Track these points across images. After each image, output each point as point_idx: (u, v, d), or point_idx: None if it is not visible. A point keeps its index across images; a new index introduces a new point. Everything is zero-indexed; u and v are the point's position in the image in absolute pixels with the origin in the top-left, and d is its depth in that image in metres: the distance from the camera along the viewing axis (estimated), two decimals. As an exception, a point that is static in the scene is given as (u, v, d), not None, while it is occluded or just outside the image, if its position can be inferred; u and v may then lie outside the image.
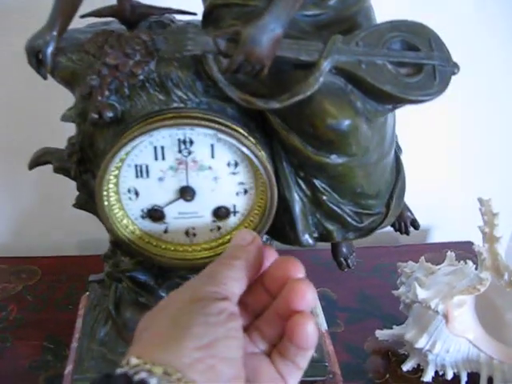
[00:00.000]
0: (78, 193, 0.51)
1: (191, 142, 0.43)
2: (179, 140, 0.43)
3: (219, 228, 0.48)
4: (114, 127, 0.43)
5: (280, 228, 0.49)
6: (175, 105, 0.43)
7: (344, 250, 0.60)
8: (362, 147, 0.43)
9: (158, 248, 0.48)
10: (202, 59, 0.40)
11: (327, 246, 0.62)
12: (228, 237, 0.49)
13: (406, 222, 0.56)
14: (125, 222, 0.47)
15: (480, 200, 0.60)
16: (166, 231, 0.48)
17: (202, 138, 0.43)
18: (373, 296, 0.76)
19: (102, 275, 0.59)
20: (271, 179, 0.45)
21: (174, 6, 0.46)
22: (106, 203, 0.45)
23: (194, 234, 0.48)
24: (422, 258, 0.67)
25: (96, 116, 0.42)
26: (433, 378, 0.64)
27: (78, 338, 0.60)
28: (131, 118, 0.43)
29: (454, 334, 0.61)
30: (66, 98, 0.47)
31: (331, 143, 0.42)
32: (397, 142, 0.54)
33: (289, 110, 0.41)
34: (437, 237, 0.92)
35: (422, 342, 0.61)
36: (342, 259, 0.60)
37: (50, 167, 0.54)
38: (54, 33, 0.43)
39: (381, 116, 0.43)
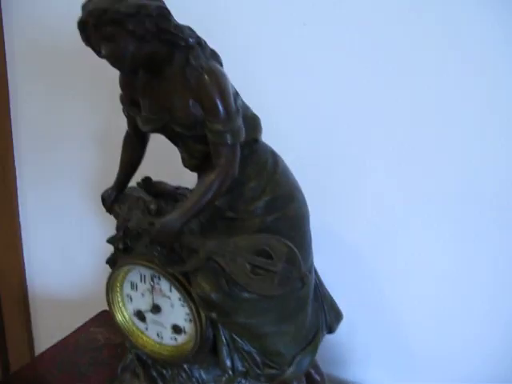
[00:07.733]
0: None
1: (159, 278, 0.67)
2: (153, 275, 0.67)
3: (176, 339, 0.69)
4: (125, 254, 0.69)
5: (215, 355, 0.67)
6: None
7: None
8: (227, 312, 0.59)
9: (141, 339, 0.72)
10: None
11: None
12: (182, 346, 0.69)
13: (315, 386, 0.67)
14: (126, 315, 0.72)
15: None
16: (147, 329, 0.71)
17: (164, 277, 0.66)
18: None
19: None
20: (203, 321, 0.64)
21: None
22: (118, 298, 0.71)
23: (162, 337, 0.70)
24: None
25: (119, 247, 0.69)
26: None
27: None
28: (134, 252, 0.68)
29: None
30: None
31: (209, 304, 0.60)
32: (335, 309, 0.67)
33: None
34: None
35: None
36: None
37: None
38: (115, 192, 0.72)
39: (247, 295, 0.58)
